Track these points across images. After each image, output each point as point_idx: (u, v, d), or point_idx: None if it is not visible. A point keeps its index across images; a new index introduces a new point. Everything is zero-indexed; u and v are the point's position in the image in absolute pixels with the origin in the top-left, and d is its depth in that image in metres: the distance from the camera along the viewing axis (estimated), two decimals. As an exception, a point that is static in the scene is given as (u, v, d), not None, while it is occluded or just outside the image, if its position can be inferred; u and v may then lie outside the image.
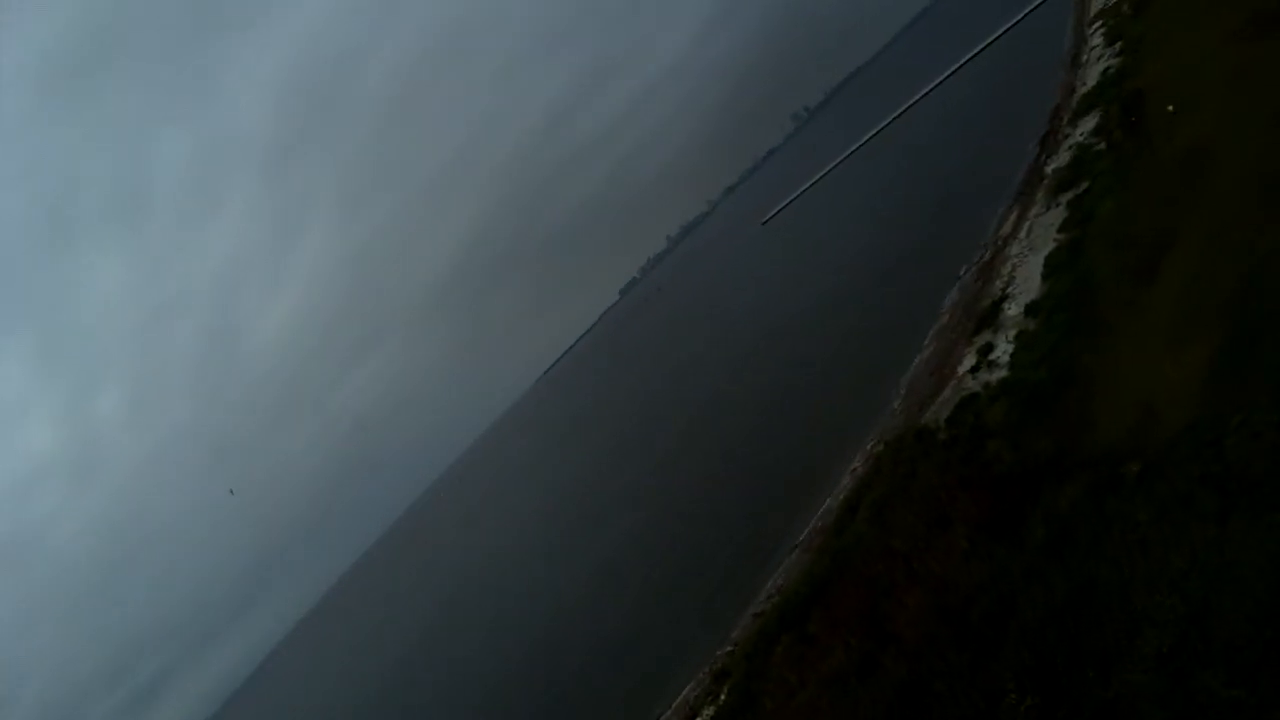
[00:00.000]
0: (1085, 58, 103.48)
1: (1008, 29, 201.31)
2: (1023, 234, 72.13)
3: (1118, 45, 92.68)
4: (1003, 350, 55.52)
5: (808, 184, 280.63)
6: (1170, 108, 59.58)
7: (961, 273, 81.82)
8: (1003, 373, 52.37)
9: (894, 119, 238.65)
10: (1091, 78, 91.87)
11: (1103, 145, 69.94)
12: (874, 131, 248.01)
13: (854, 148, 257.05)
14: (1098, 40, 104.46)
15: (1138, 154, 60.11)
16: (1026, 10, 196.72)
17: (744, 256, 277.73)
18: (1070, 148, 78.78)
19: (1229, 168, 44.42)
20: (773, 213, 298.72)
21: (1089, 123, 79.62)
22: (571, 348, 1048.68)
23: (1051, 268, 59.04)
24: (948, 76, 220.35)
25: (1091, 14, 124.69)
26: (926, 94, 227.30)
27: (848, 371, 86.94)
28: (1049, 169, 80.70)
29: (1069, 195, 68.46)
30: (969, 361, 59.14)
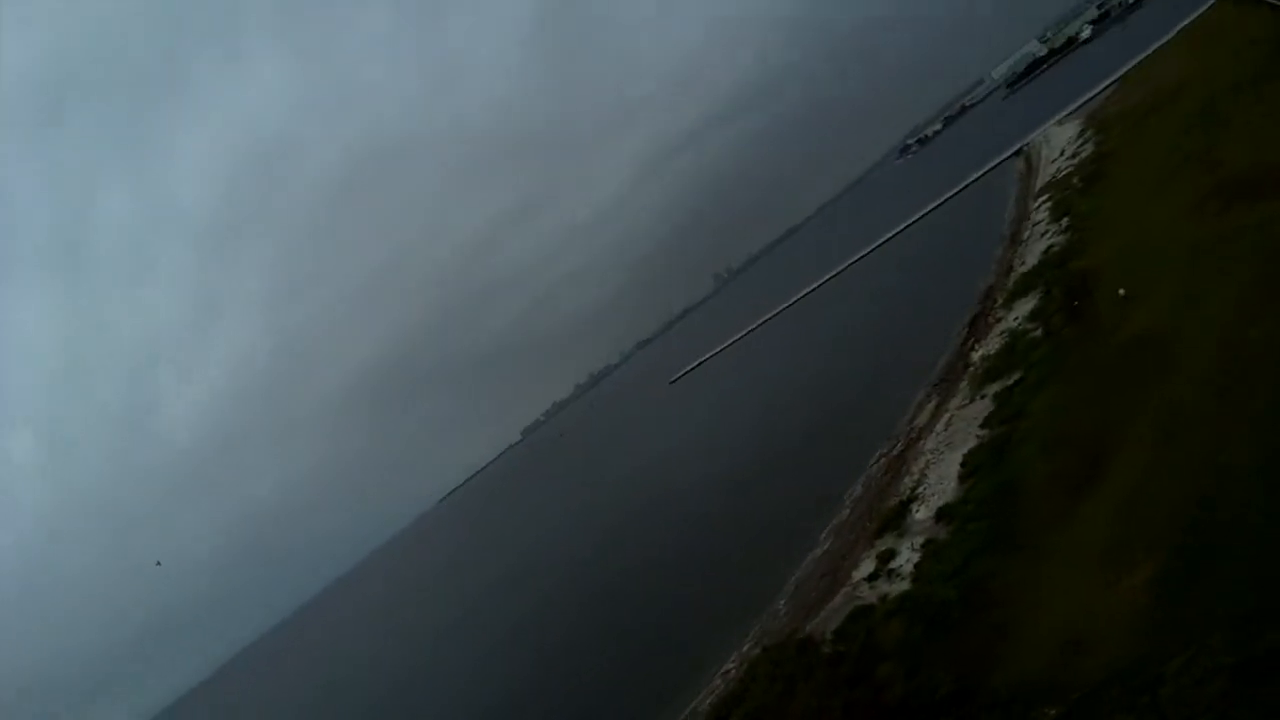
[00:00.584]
0: (1027, 234, 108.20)
1: (944, 201, 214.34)
2: (940, 426, 73.17)
3: (1065, 221, 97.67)
4: (907, 559, 54.87)
5: (721, 347, 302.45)
6: (1122, 291, 61.33)
7: (870, 463, 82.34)
8: (904, 585, 51.49)
9: (817, 288, 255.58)
10: (1032, 256, 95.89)
11: (1040, 332, 72.08)
12: (793, 300, 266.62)
13: (771, 314, 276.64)
14: (1043, 215, 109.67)
15: (1080, 343, 61.55)
16: (962, 185, 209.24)
17: (648, 414, 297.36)
18: (1003, 333, 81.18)
19: (1185, 362, 45.46)
20: (682, 373, 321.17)
21: (1026, 305, 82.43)
22: (471, 478, 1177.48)
23: (971, 468, 59.37)
24: (876, 248, 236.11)
25: (1037, 187, 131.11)
26: (852, 264, 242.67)
27: (735, 555, 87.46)
28: (976, 355, 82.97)
29: (997, 386, 69.86)
30: (867, 567, 58.46)
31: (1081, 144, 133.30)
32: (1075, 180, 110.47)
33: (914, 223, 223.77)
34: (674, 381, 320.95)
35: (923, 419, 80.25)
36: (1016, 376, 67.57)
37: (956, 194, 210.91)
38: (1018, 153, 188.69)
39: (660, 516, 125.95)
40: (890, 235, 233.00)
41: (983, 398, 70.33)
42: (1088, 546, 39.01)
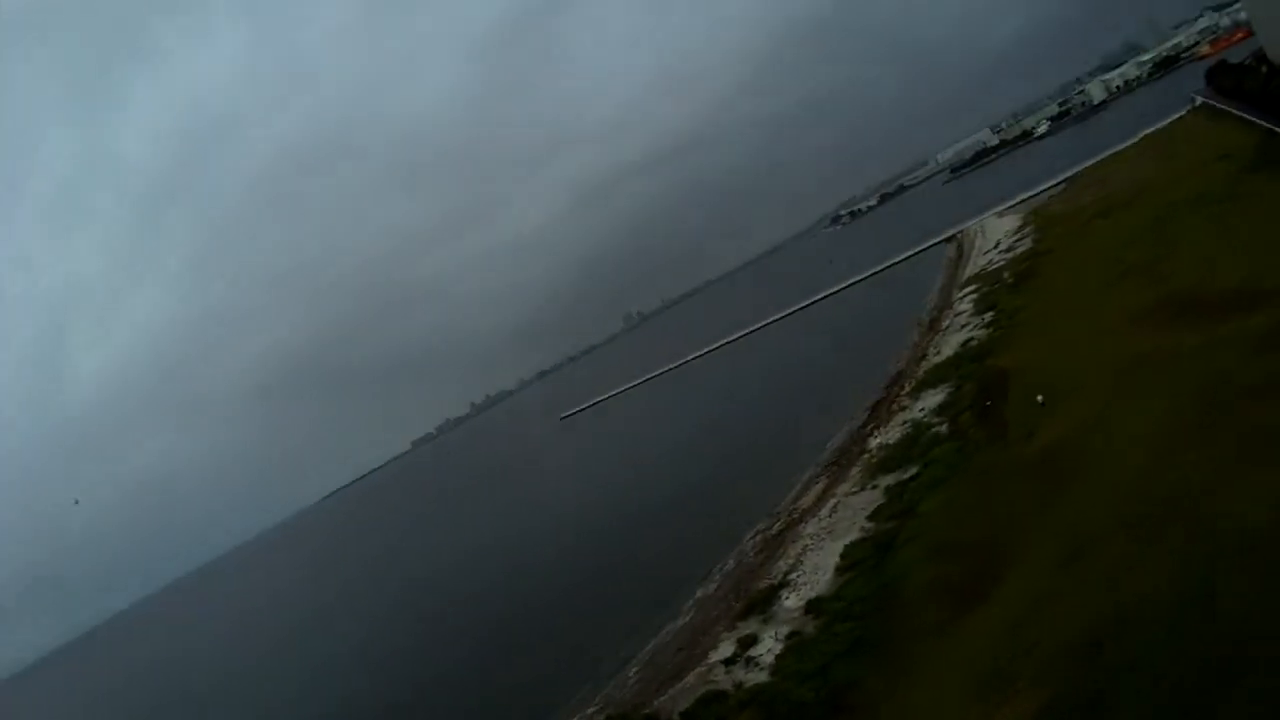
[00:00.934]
0: (947, 323, 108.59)
1: (867, 276, 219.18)
2: (825, 511, 72.01)
3: (989, 315, 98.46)
4: (768, 648, 53.34)
5: (616, 391, 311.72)
6: (1040, 399, 60.75)
7: (746, 538, 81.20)
8: (762, 676, 49.94)
9: (725, 345, 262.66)
10: (949, 347, 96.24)
11: (945, 428, 71.40)
12: (698, 354, 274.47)
13: (674, 365, 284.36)
14: (967, 305, 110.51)
15: (987, 446, 60.85)
16: (889, 263, 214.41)
17: (536, 448, 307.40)
18: (905, 423, 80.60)
19: (1099, 483, 44.21)
20: (574, 411, 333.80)
21: (935, 397, 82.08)
22: (355, 482, 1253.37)
23: (850, 561, 58.02)
24: (791, 314, 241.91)
25: (965, 276, 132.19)
26: (764, 326, 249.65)
27: (592, 611, 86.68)
28: (874, 442, 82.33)
29: (891, 478, 68.92)
30: (726, 649, 56.99)
31: (1019, 239, 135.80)
32: (1007, 275, 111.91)
33: (833, 294, 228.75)
34: (564, 418, 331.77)
35: (808, 500, 79.40)
36: (913, 471, 66.71)
37: (881, 271, 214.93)
38: (950, 239, 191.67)
39: (524, 556, 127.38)
40: (807, 303, 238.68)
41: (874, 488, 69.34)
42: (966, 667, 37.36)
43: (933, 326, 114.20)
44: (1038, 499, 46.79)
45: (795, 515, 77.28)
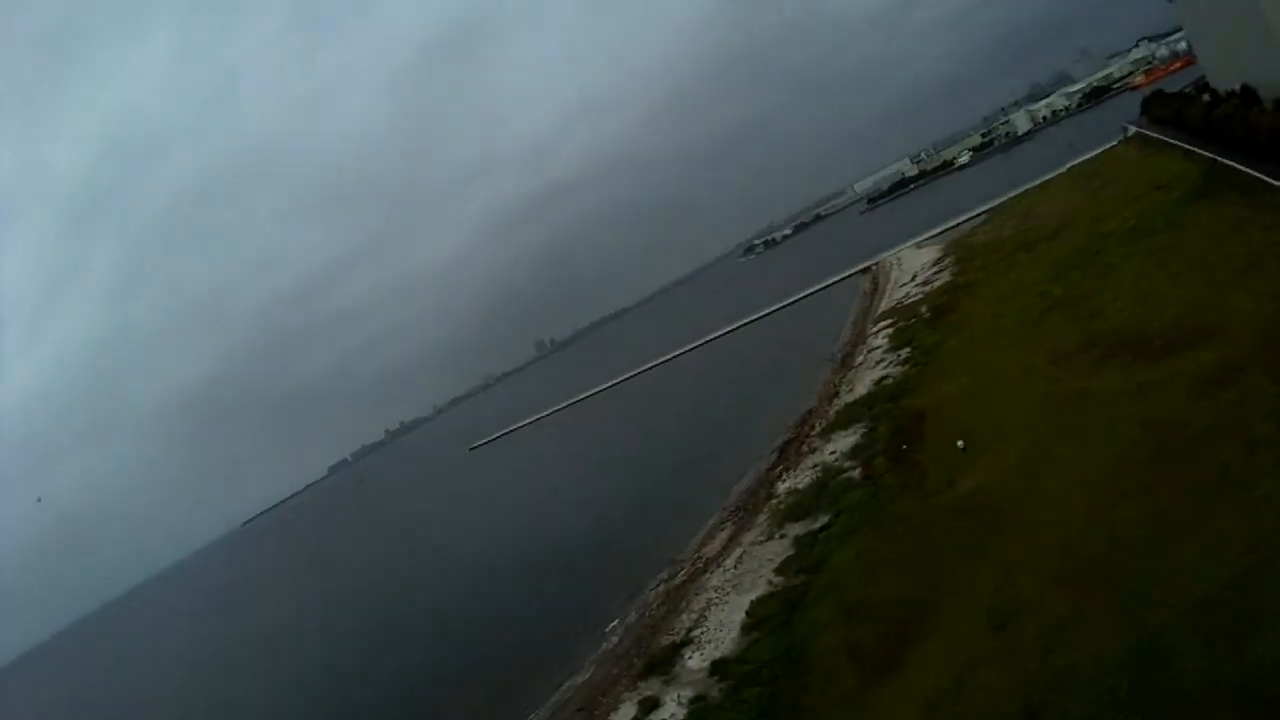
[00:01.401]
0: (860, 359, 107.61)
1: (779, 308, 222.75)
2: (730, 562, 69.96)
3: (904, 352, 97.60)
4: (671, 713, 51.23)
5: (524, 422, 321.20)
6: (960, 444, 59.17)
7: (649, 588, 79.19)
8: (665, 745, 47.61)
9: (633, 376, 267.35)
10: (863, 385, 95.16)
11: (858, 473, 69.56)
12: (606, 385, 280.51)
13: (582, 397, 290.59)
14: (881, 341, 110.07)
15: (903, 494, 59.21)
16: (801, 295, 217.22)
17: (444, 478, 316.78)
18: (815, 467, 78.74)
19: (1026, 536, 42.55)
20: (482, 441, 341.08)
21: (847, 439, 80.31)
22: (274, 507, 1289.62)
23: (757, 619, 55.89)
24: (701, 345, 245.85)
25: (880, 309, 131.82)
26: (674, 358, 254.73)
27: (491, 661, 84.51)
28: (782, 486, 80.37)
29: (800, 528, 66.87)
30: (627, 712, 55.19)
31: (937, 271, 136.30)
32: (924, 309, 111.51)
33: (744, 325, 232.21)
34: (473, 449, 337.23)
35: (713, 548, 77.40)
36: (824, 520, 64.50)
37: (793, 303, 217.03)
38: (865, 270, 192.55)
39: (425, 601, 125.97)
40: (717, 335, 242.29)
41: (782, 537, 67.23)
42: (881, 743, 35.59)
43: (845, 363, 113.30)
44: (959, 554, 44.89)
45: (699, 564, 75.32)
